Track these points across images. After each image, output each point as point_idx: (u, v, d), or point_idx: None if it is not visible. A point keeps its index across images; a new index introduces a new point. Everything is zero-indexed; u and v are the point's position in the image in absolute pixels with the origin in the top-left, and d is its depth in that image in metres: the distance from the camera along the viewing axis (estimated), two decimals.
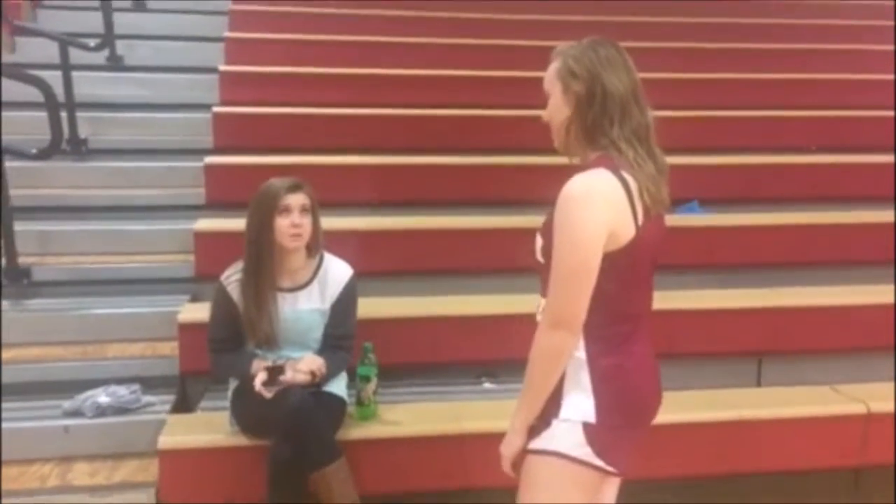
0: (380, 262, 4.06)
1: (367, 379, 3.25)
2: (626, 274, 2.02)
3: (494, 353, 3.88)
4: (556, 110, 2.09)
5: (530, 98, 5.30)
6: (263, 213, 3.02)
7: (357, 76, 5.64)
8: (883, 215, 4.66)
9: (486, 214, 4.50)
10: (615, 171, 1.99)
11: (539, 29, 6.32)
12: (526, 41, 6.01)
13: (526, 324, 3.80)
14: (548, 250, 2.03)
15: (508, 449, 2.15)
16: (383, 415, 3.32)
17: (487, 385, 3.84)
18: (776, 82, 6.10)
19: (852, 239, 4.56)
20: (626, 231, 1.99)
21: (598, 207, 1.94)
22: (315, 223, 3.10)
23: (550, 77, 2.11)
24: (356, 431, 3.19)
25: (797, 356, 4.06)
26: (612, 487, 2.28)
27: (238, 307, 3.07)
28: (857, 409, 3.51)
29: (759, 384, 4.09)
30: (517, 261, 4.17)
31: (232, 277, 3.09)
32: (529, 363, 2.06)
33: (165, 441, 3.13)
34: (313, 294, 3.13)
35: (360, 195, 4.62)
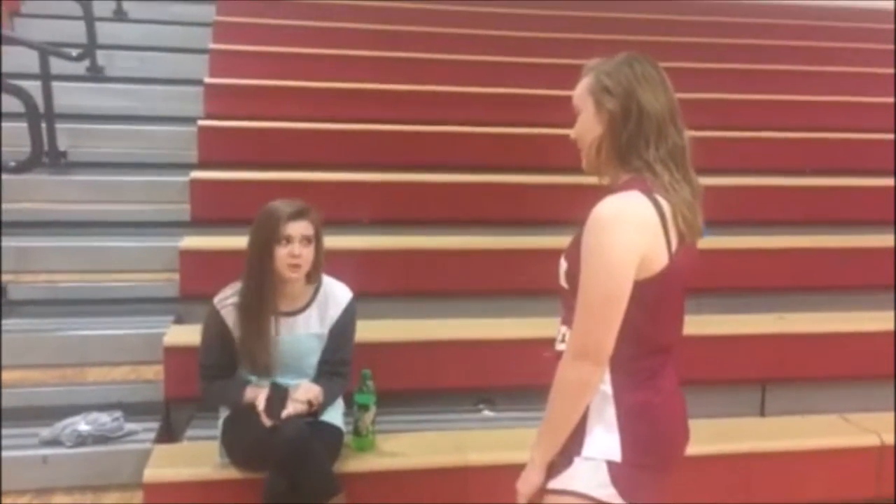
0: (372, 283, 3.89)
1: (365, 408, 3.10)
2: (657, 304, 1.90)
3: (492, 380, 3.77)
4: (587, 128, 1.96)
5: (531, 115, 5.34)
6: (263, 240, 2.86)
7: (347, 91, 5.50)
8: (884, 239, 4.59)
9: (484, 234, 4.38)
10: (648, 194, 1.86)
11: (534, 45, 6.26)
12: (524, 58, 5.95)
13: (526, 349, 3.73)
14: (573, 275, 1.91)
15: (526, 486, 2.01)
16: (381, 445, 3.17)
17: (487, 413, 3.69)
18: (776, 103, 6.05)
19: (855, 263, 4.48)
20: (660, 258, 1.86)
21: (630, 232, 1.82)
22: (318, 252, 2.94)
23: (581, 93, 1.97)
24: (354, 463, 3.03)
25: (802, 383, 3.97)
26: None
27: (232, 332, 2.90)
28: (870, 440, 3.41)
29: (762, 412, 3.99)
30: (517, 283, 4.14)
31: (227, 301, 2.92)
32: (552, 396, 1.92)
33: (151, 474, 2.96)
34: (311, 319, 2.98)
35: (353, 213, 4.47)
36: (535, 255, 4.15)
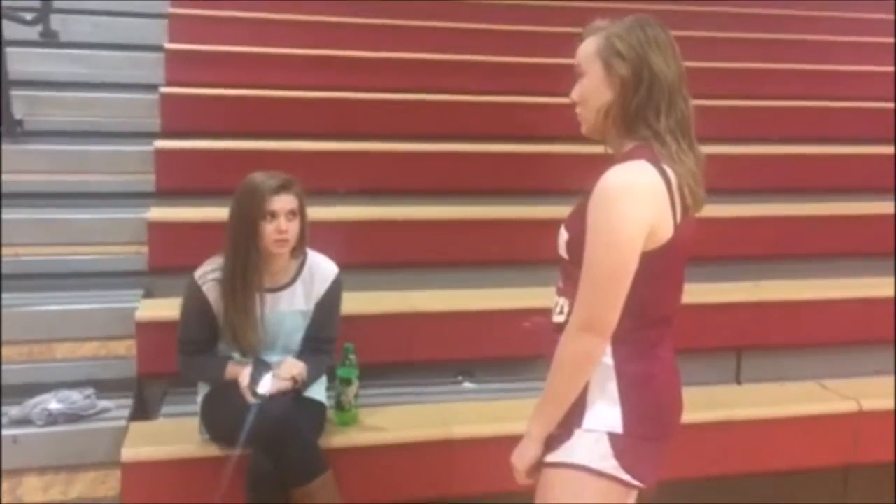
0: (348, 254, 3.80)
1: (348, 382, 3.04)
2: (660, 275, 1.87)
3: (472, 352, 3.73)
4: (594, 92, 1.89)
5: (511, 84, 5.26)
6: (247, 215, 2.75)
7: (315, 57, 5.37)
8: (858, 207, 4.63)
9: (461, 204, 4.31)
10: (656, 164, 1.82)
11: (515, 14, 6.17)
12: (503, 26, 5.88)
13: (505, 320, 3.72)
14: (575, 246, 1.87)
15: (522, 461, 1.97)
16: (364, 420, 3.12)
17: (468, 385, 3.66)
18: (747, 71, 6.04)
19: (829, 231, 4.51)
20: (666, 230, 1.83)
21: (640, 204, 1.78)
22: (302, 225, 2.85)
23: (588, 55, 1.90)
24: (338, 439, 2.98)
25: (777, 351, 4.00)
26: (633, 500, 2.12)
27: (214, 308, 2.81)
28: (848, 406, 3.44)
29: (738, 379, 4.01)
30: (495, 254, 4.10)
31: (209, 276, 2.82)
32: (553, 369, 1.88)
33: (129, 453, 2.87)
34: (296, 295, 2.90)
35: (327, 183, 4.36)
36: (514, 225, 4.15)
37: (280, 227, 2.74)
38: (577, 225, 1.86)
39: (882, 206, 4.72)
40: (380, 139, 4.67)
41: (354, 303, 3.50)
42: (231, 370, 2.81)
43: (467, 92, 5.12)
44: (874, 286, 4.18)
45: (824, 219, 4.56)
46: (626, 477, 1.88)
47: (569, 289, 1.90)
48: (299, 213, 2.82)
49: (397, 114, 4.91)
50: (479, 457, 3.09)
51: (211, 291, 2.81)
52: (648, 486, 1.94)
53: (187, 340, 2.87)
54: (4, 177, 4.35)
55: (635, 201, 1.78)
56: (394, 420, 3.16)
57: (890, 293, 4.04)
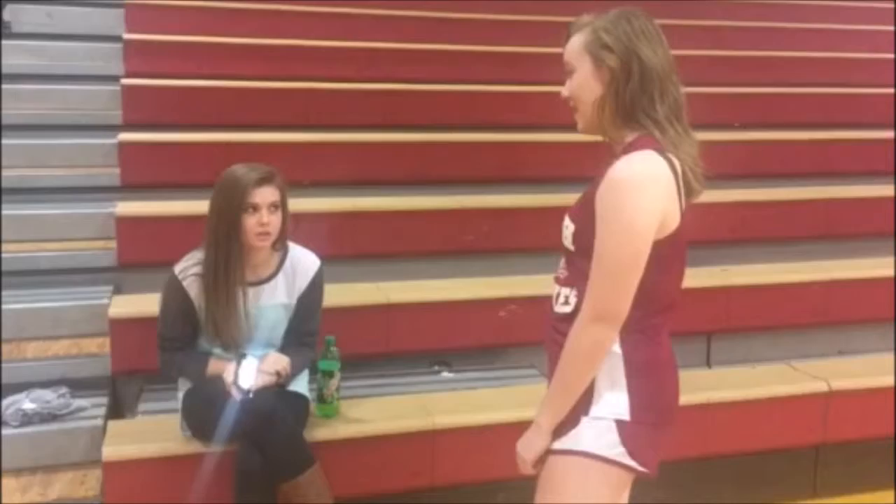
0: (319, 246, 3.80)
1: (330, 374, 3.02)
2: (668, 262, 1.89)
3: (448, 341, 3.74)
4: (585, 87, 1.90)
5: (478, 73, 5.24)
6: (229, 208, 2.70)
7: (273, 47, 5.33)
8: (821, 191, 4.73)
9: (432, 194, 4.32)
10: (662, 153, 1.84)
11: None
12: (470, 14, 5.88)
13: (481, 310, 3.73)
14: (581, 237, 1.87)
15: (531, 451, 1.95)
16: (346, 412, 3.10)
17: (446, 374, 3.67)
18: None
19: (793, 216, 4.61)
20: (675, 218, 1.85)
21: (652, 194, 1.79)
22: (284, 217, 2.80)
23: (577, 51, 1.90)
24: (322, 432, 2.95)
25: (746, 334, 4.08)
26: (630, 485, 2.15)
27: (195, 303, 2.78)
28: (818, 386, 3.51)
29: (708, 363, 4.08)
30: (467, 243, 4.11)
31: (189, 271, 2.77)
32: (564, 360, 1.87)
33: (111, 452, 2.81)
34: (278, 288, 2.87)
35: (293, 174, 4.28)
36: (486, 214, 4.15)
37: (262, 220, 2.70)
38: (584, 216, 1.87)
39: (839, 191, 4.84)
40: (347, 130, 4.64)
41: (329, 295, 3.48)
42: (213, 366, 2.78)
43: (436, 81, 5.11)
44: (836, 268, 4.29)
45: (785, 203, 4.65)
46: (632, 463, 1.90)
47: (574, 279, 1.92)
48: (281, 205, 2.78)
49: (364, 104, 4.89)
50: (462, 446, 3.11)
51: (192, 286, 2.77)
52: (652, 472, 1.96)
53: (168, 337, 2.82)
54: None
55: (648, 192, 1.79)
56: (376, 411, 3.14)
57: (853, 275, 4.15)
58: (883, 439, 3.54)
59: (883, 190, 4.87)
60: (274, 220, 2.75)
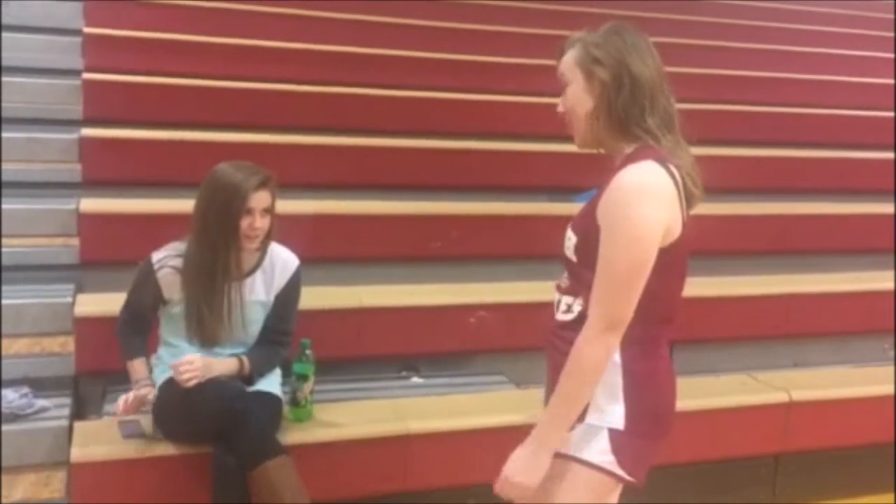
0: (293, 248, 3.78)
1: (304, 377, 3.00)
2: (670, 272, 1.92)
3: (417, 347, 3.73)
4: (577, 100, 1.93)
5: (449, 80, 5.24)
6: (227, 213, 2.69)
7: (237, 47, 5.27)
8: (782, 207, 4.87)
9: (402, 199, 4.29)
10: (662, 163, 1.87)
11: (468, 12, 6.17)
12: (450, 23, 5.90)
13: (450, 316, 3.73)
14: (584, 249, 1.90)
15: (534, 476, 1.89)
16: (319, 415, 3.08)
17: (416, 380, 3.66)
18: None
19: (753, 229, 4.70)
20: (677, 227, 1.89)
21: (657, 204, 1.83)
22: (272, 220, 2.81)
23: (569, 65, 1.95)
24: (296, 435, 2.93)
25: (705, 344, 4.13)
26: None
27: (164, 295, 2.78)
28: (779, 397, 3.60)
29: None
30: (436, 249, 4.10)
31: (168, 262, 2.76)
32: (571, 371, 1.85)
33: (79, 453, 2.76)
34: (256, 284, 2.86)
35: None
36: (458, 220, 4.16)
37: (254, 223, 2.71)
38: (587, 227, 1.89)
39: (795, 207, 4.95)
40: (316, 132, 4.61)
41: (302, 297, 3.46)
42: (133, 365, 2.82)
43: (405, 87, 5.10)
44: (795, 282, 4.40)
45: (747, 218, 4.75)
46: (620, 472, 1.92)
47: (576, 288, 1.94)
48: (271, 208, 2.78)
49: (331, 107, 4.86)
50: (435, 451, 3.11)
51: (165, 278, 2.77)
52: (639, 482, 1.98)
53: (130, 319, 2.88)
54: None
55: (653, 202, 1.82)
56: (349, 415, 3.13)
57: (810, 289, 4.26)
58: (841, 449, 3.64)
59: (842, 207, 5.01)
60: (265, 223, 2.75)
